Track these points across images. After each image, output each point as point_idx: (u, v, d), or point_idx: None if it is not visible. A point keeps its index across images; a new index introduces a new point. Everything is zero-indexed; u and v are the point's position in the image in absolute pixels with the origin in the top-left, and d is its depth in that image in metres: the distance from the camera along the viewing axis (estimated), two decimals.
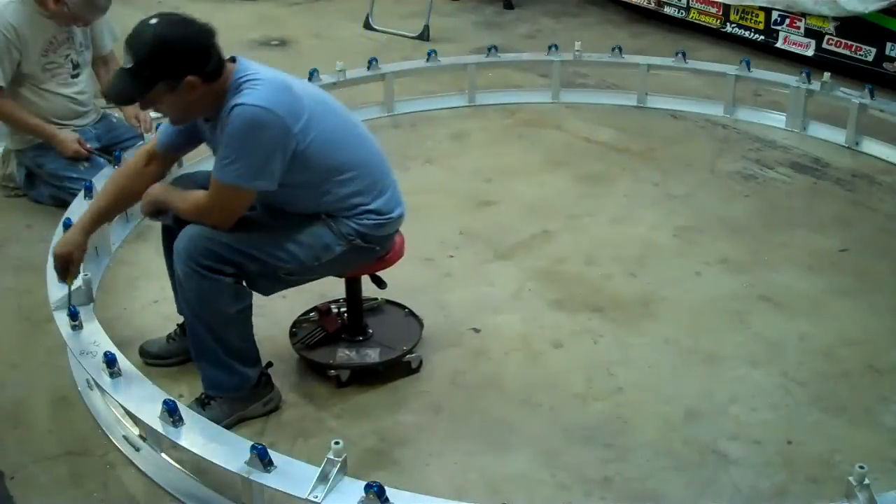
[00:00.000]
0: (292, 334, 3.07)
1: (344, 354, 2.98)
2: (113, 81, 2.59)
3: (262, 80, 2.54)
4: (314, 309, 3.14)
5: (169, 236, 2.87)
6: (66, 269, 2.82)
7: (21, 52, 3.83)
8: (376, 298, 3.19)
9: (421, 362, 3.07)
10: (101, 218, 2.89)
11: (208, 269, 2.58)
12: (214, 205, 2.60)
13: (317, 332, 3.04)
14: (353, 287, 3.01)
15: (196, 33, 2.52)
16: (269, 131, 2.51)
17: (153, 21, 2.49)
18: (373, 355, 2.98)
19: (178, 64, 2.48)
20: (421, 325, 3.13)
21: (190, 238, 2.60)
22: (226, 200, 2.60)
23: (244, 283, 2.67)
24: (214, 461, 2.35)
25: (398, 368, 3.02)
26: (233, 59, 2.62)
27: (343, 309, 3.09)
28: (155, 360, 3.07)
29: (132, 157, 2.85)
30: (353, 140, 2.76)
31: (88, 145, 4.02)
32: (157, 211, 2.78)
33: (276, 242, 2.68)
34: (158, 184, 2.82)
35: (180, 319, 3.01)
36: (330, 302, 3.16)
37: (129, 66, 2.49)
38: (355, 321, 3.05)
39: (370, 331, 3.07)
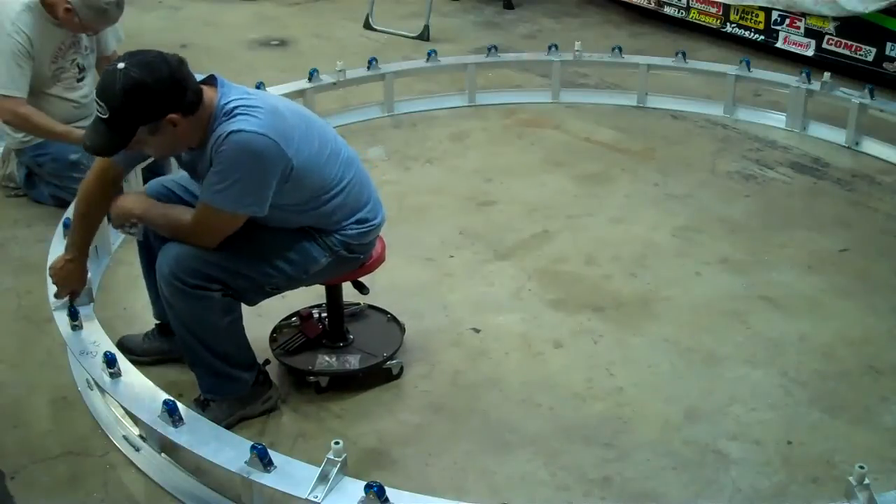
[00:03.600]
0: (272, 339, 3.05)
1: (324, 361, 2.97)
2: (90, 133, 2.50)
3: (258, 106, 2.50)
4: (295, 314, 3.13)
5: (145, 245, 2.87)
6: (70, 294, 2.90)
7: (34, 59, 3.84)
8: (359, 304, 3.18)
9: (402, 369, 3.05)
10: (89, 240, 2.89)
11: (195, 287, 2.57)
12: (201, 227, 2.57)
13: (297, 337, 3.03)
14: (333, 293, 3.00)
15: (166, 71, 2.41)
16: (267, 158, 2.48)
17: (120, 66, 2.39)
18: (353, 362, 2.97)
19: (154, 106, 2.40)
20: (403, 330, 3.12)
21: (175, 258, 2.57)
22: (215, 224, 2.56)
23: (231, 296, 2.66)
24: (214, 461, 2.35)
25: (379, 375, 3.01)
26: (211, 79, 2.56)
27: (325, 314, 3.07)
28: (129, 355, 2.99)
29: (92, 174, 2.76)
30: (336, 155, 2.73)
31: None
32: (125, 223, 2.70)
33: (263, 258, 2.66)
34: (132, 194, 2.76)
35: None
36: (311, 307, 3.14)
37: (105, 116, 2.42)
38: (336, 327, 3.04)
39: (351, 337, 3.06)
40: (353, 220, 2.75)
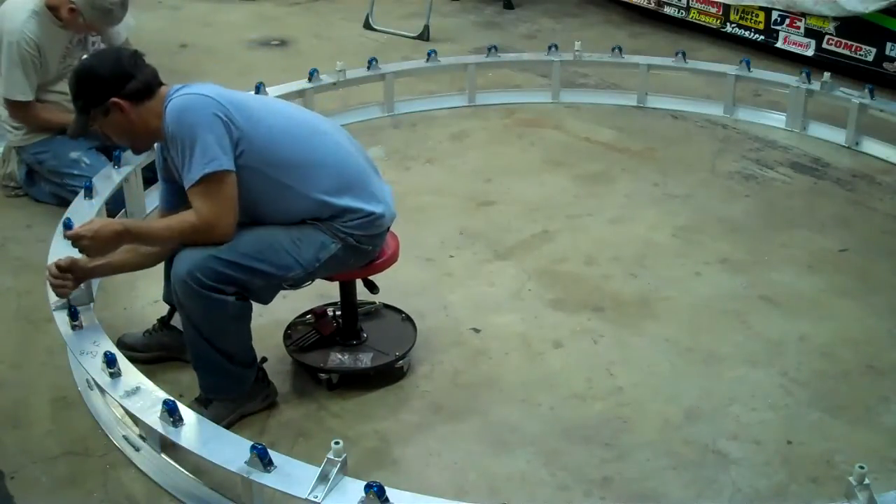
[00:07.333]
0: (286, 336, 3.07)
1: (336, 358, 2.98)
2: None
3: (187, 84, 2.67)
4: (310, 311, 3.14)
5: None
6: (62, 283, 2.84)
7: (42, 64, 3.89)
8: (374, 302, 3.19)
9: (409, 366, 3.06)
10: (107, 270, 2.93)
11: (212, 290, 2.57)
12: (204, 211, 2.57)
13: (311, 335, 3.04)
14: (347, 291, 3.01)
15: (112, 60, 2.69)
16: (200, 110, 2.58)
17: (84, 57, 2.70)
18: (365, 360, 2.98)
19: (99, 89, 2.64)
20: (416, 330, 3.12)
21: (192, 260, 2.58)
22: (211, 198, 2.57)
23: (245, 298, 2.67)
24: (214, 461, 2.35)
25: (390, 373, 3.01)
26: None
27: (339, 312, 3.08)
28: (130, 352, 2.96)
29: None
30: (319, 135, 2.79)
31: None
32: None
33: (276, 251, 2.66)
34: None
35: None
36: (326, 305, 3.15)
37: (74, 100, 2.71)
38: (350, 325, 3.05)
39: (364, 335, 3.06)
40: (351, 211, 2.72)
